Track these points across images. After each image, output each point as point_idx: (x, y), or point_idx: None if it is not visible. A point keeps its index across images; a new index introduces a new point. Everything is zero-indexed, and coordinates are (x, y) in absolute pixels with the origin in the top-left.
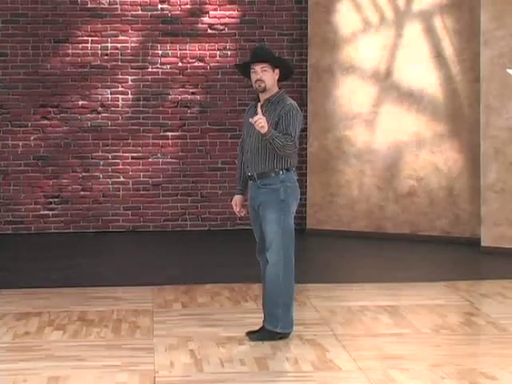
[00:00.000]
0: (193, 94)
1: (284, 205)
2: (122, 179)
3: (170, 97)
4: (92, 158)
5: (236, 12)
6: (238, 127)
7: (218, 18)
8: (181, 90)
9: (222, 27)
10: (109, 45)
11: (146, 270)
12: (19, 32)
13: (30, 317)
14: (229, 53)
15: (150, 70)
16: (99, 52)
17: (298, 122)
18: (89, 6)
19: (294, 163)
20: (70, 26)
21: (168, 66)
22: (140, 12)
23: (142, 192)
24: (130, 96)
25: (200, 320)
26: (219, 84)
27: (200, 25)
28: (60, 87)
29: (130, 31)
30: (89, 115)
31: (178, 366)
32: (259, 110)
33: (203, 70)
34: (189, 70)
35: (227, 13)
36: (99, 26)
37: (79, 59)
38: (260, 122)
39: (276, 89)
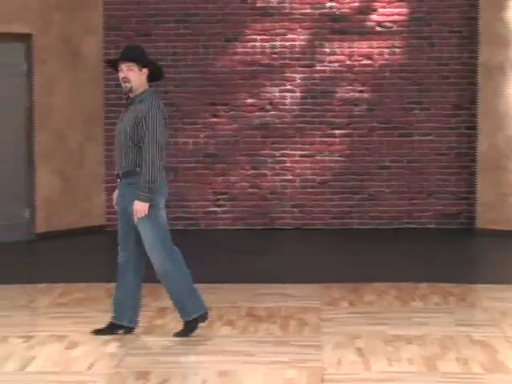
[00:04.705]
0: (360, 92)
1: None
2: (289, 177)
3: (337, 95)
4: (260, 156)
5: (405, 9)
6: (406, 125)
7: (387, 16)
8: (348, 87)
9: (390, 25)
10: (277, 43)
11: (313, 268)
12: (190, 31)
13: None
14: (397, 50)
15: (317, 68)
16: (268, 50)
17: (156, 126)
18: (258, 4)
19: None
20: (239, 25)
21: (336, 64)
22: (308, 10)
23: (309, 190)
24: (297, 94)
25: (367, 318)
26: (387, 82)
27: (368, 22)
28: (229, 85)
29: (298, 29)
30: (257, 113)
31: (345, 363)
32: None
33: (371, 68)
34: (357, 68)
35: (396, 10)
36: (268, 24)
37: (248, 58)
38: (139, 214)
39: (143, 88)
